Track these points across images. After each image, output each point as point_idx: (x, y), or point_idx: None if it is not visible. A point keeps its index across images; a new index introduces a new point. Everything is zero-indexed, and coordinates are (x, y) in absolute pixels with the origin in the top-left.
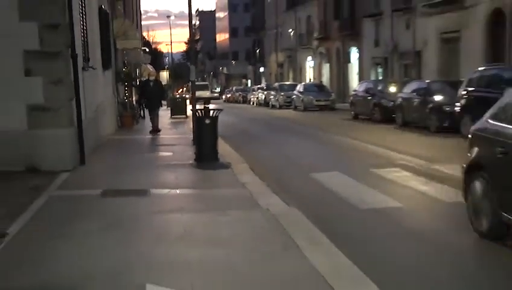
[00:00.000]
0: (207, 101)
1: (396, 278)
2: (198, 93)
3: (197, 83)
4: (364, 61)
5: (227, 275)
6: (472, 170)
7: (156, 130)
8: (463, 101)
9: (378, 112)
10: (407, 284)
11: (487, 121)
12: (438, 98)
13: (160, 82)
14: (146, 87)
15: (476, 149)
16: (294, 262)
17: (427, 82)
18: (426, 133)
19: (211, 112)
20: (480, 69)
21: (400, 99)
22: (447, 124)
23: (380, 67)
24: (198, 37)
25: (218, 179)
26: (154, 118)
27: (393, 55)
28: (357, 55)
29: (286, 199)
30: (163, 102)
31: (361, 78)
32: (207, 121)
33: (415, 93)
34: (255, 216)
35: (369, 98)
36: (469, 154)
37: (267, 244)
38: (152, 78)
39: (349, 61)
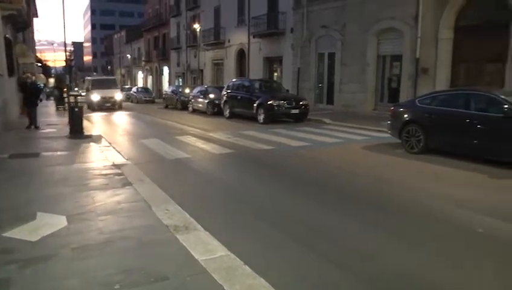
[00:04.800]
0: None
1: (184, 194)
2: (105, 91)
3: (102, 77)
4: (171, 74)
5: (88, 201)
6: None
7: (30, 126)
8: (224, 98)
9: (179, 104)
10: (191, 194)
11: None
12: (211, 96)
13: (35, 82)
14: (25, 86)
15: None
16: (129, 192)
17: (206, 86)
18: (206, 115)
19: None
20: (232, 80)
21: (191, 96)
22: (216, 110)
23: (180, 78)
24: (72, 58)
25: (83, 145)
26: (31, 114)
27: (187, 71)
28: (167, 71)
29: (125, 155)
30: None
31: (169, 84)
32: (76, 109)
33: (199, 93)
34: (105, 166)
35: (174, 95)
36: None
37: (113, 183)
38: (29, 80)
39: (162, 74)
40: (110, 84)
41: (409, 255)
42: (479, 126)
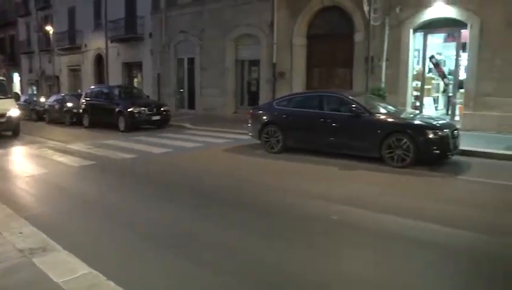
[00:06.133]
0: None
1: (41, 213)
2: None
3: None
4: (23, 82)
5: None
6: None
7: None
8: (82, 106)
9: (34, 114)
10: (49, 213)
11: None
12: (69, 104)
13: None
14: None
15: None
16: None
17: (63, 95)
18: (63, 126)
19: None
20: (91, 87)
21: (47, 106)
22: (75, 120)
23: (34, 86)
24: None
25: None
26: None
27: (41, 78)
28: (19, 78)
29: None
30: None
31: (22, 93)
32: None
33: (56, 102)
34: None
35: (28, 105)
36: None
37: None
38: None
39: (12, 82)
40: None
41: (269, 248)
42: (333, 125)
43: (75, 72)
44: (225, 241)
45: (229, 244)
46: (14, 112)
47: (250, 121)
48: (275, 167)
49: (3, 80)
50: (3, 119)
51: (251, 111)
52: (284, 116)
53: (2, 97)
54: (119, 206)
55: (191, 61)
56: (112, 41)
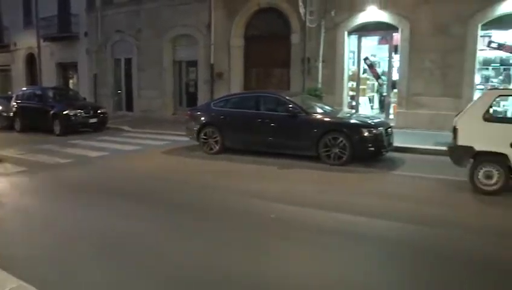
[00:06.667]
0: None
1: None
2: None
3: None
4: None
5: None
6: None
7: None
8: (14, 109)
9: None
10: None
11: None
12: None
13: None
14: None
15: None
16: None
17: None
18: None
19: None
20: (23, 88)
21: None
22: (6, 124)
23: None
24: None
25: None
26: None
27: None
28: None
29: None
30: None
31: None
32: None
33: None
34: None
35: None
36: None
37: None
38: None
39: None
40: None
41: (205, 249)
42: (271, 125)
43: (4, 72)
44: (161, 243)
45: (164, 246)
46: None
47: (188, 123)
48: (213, 168)
49: None
50: None
51: (189, 112)
52: (222, 117)
53: None
54: (52, 214)
55: (128, 61)
56: (44, 40)
